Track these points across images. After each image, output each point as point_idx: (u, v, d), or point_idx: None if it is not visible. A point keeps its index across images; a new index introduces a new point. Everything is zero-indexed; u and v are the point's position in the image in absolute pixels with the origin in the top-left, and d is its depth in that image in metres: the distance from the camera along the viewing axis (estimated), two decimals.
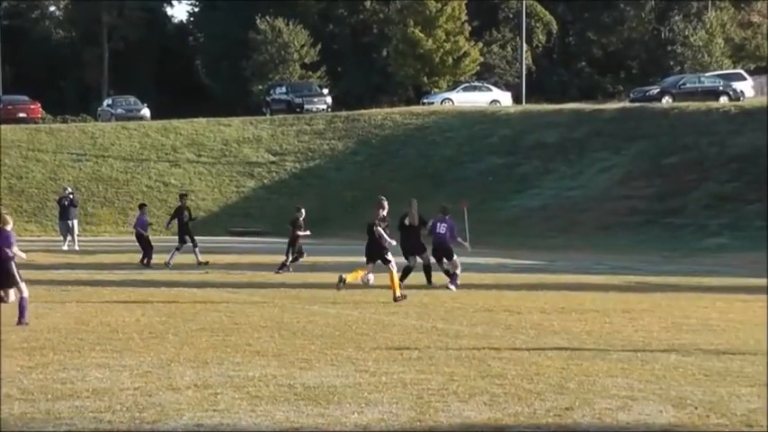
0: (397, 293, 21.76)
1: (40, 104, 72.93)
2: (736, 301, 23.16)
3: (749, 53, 79.17)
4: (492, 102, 71.38)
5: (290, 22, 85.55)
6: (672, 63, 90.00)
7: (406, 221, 25.45)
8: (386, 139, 64.62)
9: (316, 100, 71.30)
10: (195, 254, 32.67)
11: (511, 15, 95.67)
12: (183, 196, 35.94)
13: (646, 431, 10.11)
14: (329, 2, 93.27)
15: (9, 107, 69.38)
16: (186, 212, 33.72)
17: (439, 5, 79.90)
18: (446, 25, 79.87)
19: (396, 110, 70.05)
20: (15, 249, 17.53)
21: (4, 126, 64.08)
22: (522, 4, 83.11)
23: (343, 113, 69.16)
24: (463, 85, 75.22)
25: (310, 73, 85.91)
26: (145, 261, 32.40)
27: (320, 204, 57.69)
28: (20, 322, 17.26)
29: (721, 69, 74.97)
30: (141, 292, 23.70)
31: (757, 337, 16.72)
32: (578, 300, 22.80)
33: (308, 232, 30.82)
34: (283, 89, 73.54)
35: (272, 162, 63.79)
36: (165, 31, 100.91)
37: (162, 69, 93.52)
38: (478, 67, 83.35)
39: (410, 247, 25.09)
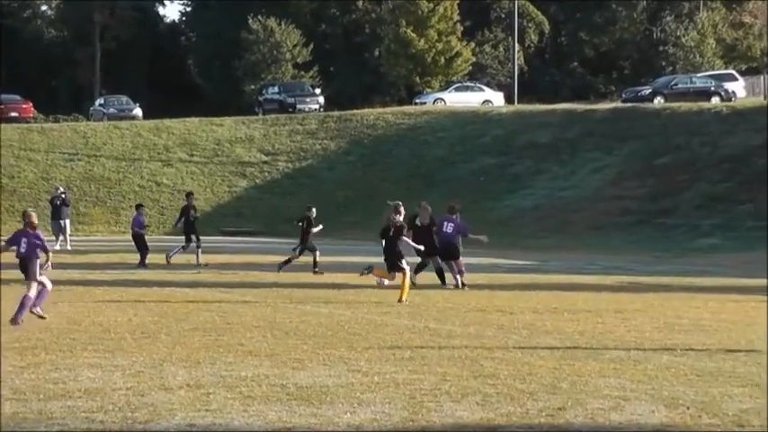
0: (403, 297, 21.70)
1: (31, 104, 72.86)
2: (729, 301, 23.20)
3: (741, 54, 79.17)
4: (484, 102, 71.43)
5: (283, 22, 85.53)
6: (664, 63, 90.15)
7: (418, 222, 25.44)
8: (378, 139, 64.64)
9: (308, 100, 71.32)
10: (197, 254, 32.65)
11: (503, 15, 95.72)
12: (189, 195, 36.05)
13: (638, 431, 10.12)
14: (321, 2, 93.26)
15: (1, 107, 69.26)
16: (192, 211, 33.76)
17: (431, 5, 79.91)
18: (438, 25, 79.89)
19: (388, 110, 70.07)
20: (51, 254, 18.12)
21: None
22: (514, 4, 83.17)
23: (336, 113, 69.18)
24: (455, 86, 75.26)
25: (303, 73, 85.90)
26: (142, 261, 32.35)
27: (312, 204, 57.64)
28: (14, 320, 17.27)
29: (713, 70, 75.09)
30: (133, 292, 23.68)
31: (749, 337, 16.75)
32: (571, 300, 22.81)
33: (320, 227, 30.74)
34: (276, 89, 73.54)
35: (265, 162, 63.77)
36: (158, 30, 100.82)
37: (154, 69, 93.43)
38: (471, 68, 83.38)
39: (425, 247, 24.78)
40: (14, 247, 17.98)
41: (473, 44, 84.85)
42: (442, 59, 79.66)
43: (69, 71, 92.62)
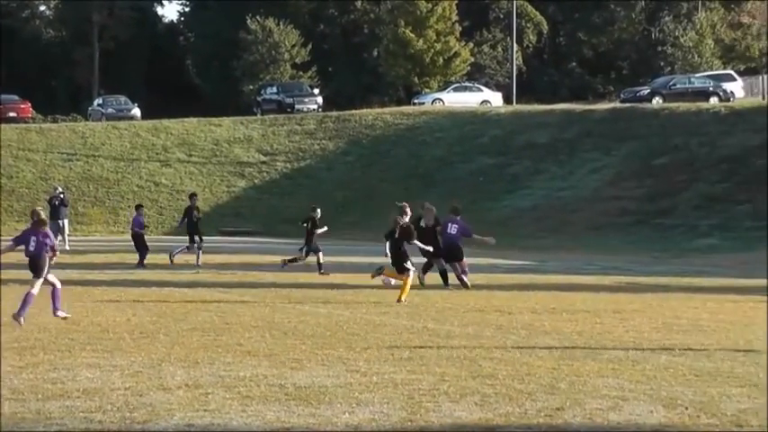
0: (402, 298, 21.71)
1: (30, 104, 72.85)
2: (727, 301, 23.21)
3: (739, 54, 79.26)
4: (483, 102, 71.45)
5: (281, 22, 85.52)
6: (662, 64, 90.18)
7: (422, 223, 25.46)
8: (376, 139, 64.64)
9: (306, 100, 71.32)
10: (197, 254, 32.65)
11: (501, 16, 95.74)
12: (192, 196, 36.16)
13: (636, 431, 10.12)
14: (320, 2, 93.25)
15: None
16: (195, 212, 33.82)
17: (429, 6, 79.93)
18: (437, 25, 79.90)
19: (386, 110, 70.07)
20: (57, 252, 18.28)
21: None
22: (512, 4, 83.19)
23: (334, 113, 69.18)
24: (454, 86, 75.28)
25: (301, 73, 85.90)
26: (141, 262, 32.37)
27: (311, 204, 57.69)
28: (16, 316, 17.33)
29: (711, 70, 75.12)
30: (132, 292, 23.68)
31: (747, 337, 16.76)
32: (569, 300, 22.82)
33: (325, 228, 30.66)
34: (274, 89, 73.54)
35: (263, 162, 63.77)
36: (156, 30, 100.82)
37: (152, 69, 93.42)
38: (469, 68, 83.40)
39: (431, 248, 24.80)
40: (23, 246, 18.02)
41: (471, 44, 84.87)
42: (441, 60, 79.68)
43: (68, 71, 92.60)
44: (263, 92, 74.34)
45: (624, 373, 13.06)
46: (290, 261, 30.31)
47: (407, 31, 78.99)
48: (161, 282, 26.51)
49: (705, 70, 74.80)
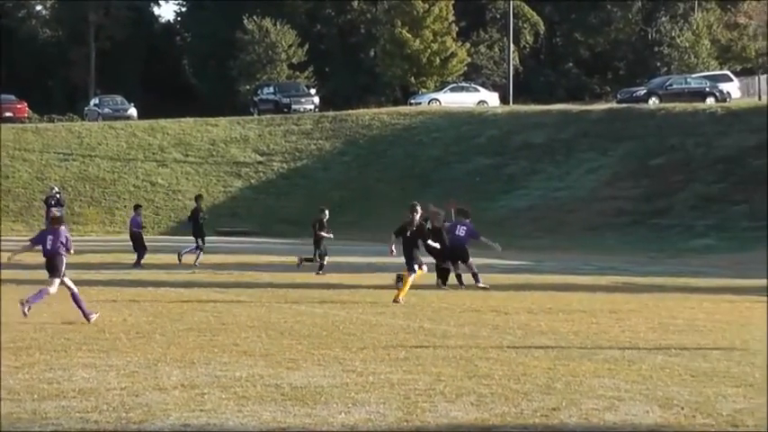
0: (400, 297, 21.72)
1: (26, 104, 72.82)
2: (723, 301, 23.23)
3: (735, 54, 79.32)
4: (479, 102, 71.49)
5: (278, 22, 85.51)
6: (659, 64, 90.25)
7: (428, 225, 25.56)
8: (373, 139, 64.64)
9: (303, 100, 71.31)
10: (197, 254, 32.64)
11: (498, 16, 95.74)
12: (198, 198, 36.29)
13: (632, 431, 10.12)
14: (316, 2, 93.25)
15: None
16: (201, 213, 33.88)
17: (426, 6, 79.94)
18: (433, 26, 79.91)
19: (383, 110, 70.09)
20: (72, 251, 18.30)
21: None
22: (509, 4, 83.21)
23: (331, 114, 69.19)
24: (450, 86, 75.31)
25: (298, 73, 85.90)
26: (138, 261, 32.36)
27: (307, 204, 57.66)
28: (24, 303, 17.60)
29: (708, 70, 75.20)
30: (128, 292, 23.66)
31: (744, 337, 16.78)
32: (565, 300, 22.83)
33: (330, 235, 30.56)
34: (271, 89, 73.53)
35: (260, 162, 63.76)
36: (152, 30, 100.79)
37: (149, 69, 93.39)
38: (466, 68, 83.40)
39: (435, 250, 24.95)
40: (40, 246, 18.16)
41: (468, 45, 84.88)
42: (438, 60, 79.70)
43: (64, 71, 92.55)
44: (259, 92, 74.33)
45: (620, 373, 13.06)
46: (306, 260, 30.26)
47: (404, 31, 78.99)
48: (157, 282, 26.50)
49: (702, 71, 74.88)
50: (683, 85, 65.34)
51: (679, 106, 58.74)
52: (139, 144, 64.78)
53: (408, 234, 22.40)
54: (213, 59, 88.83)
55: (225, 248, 42.36)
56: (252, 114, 71.26)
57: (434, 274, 25.77)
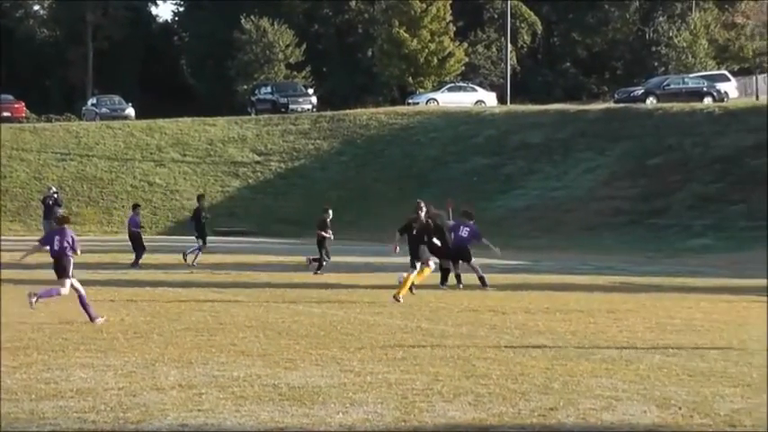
0: (400, 295, 21.74)
1: (24, 104, 72.77)
2: (720, 301, 23.24)
3: (733, 54, 79.39)
4: (477, 102, 71.50)
5: (275, 22, 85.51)
6: (656, 64, 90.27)
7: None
8: (371, 139, 64.64)
9: (301, 100, 71.31)
10: (196, 254, 32.63)
11: (496, 16, 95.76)
12: (200, 197, 36.30)
13: (630, 431, 10.13)
14: (314, 2, 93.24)
15: None
16: (203, 212, 33.89)
17: (424, 6, 79.94)
18: (431, 25, 79.92)
19: (381, 110, 70.09)
20: (78, 252, 18.34)
21: None
22: (506, 4, 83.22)
23: (329, 113, 69.18)
24: (448, 86, 75.33)
25: (295, 73, 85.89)
26: (136, 261, 32.32)
27: (305, 204, 57.68)
28: (32, 295, 17.82)
29: (705, 70, 75.23)
30: (126, 292, 23.65)
31: (741, 337, 16.79)
32: (563, 300, 22.84)
33: (330, 236, 30.49)
34: (268, 89, 73.52)
35: (257, 162, 63.75)
36: (150, 30, 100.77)
37: (147, 69, 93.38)
38: (463, 68, 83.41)
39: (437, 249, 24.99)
40: (48, 247, 18.26)
41: (466, 44, 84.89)
42: (435, 60, 79.71)
43: (62, 71, 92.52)
44: (257, 92, 74.33)
45: (618, 372, 13.07)
46: (314, 260, 30.18)
47: (402, 31, 79.00)
48: (155, 282, 26.50)
49: (699, 70, 74.91)
50: (681, 85, 65.37)
51: (676, 106, 58.76)
52: (137, 144, 64.76)
53: (414, 232, 22.48)
54: (211, 59, 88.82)
55: (222, 248, 42.33)
56: (249, 114, 71.26)
57: (436, 274, 25.80)
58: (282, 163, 63.66)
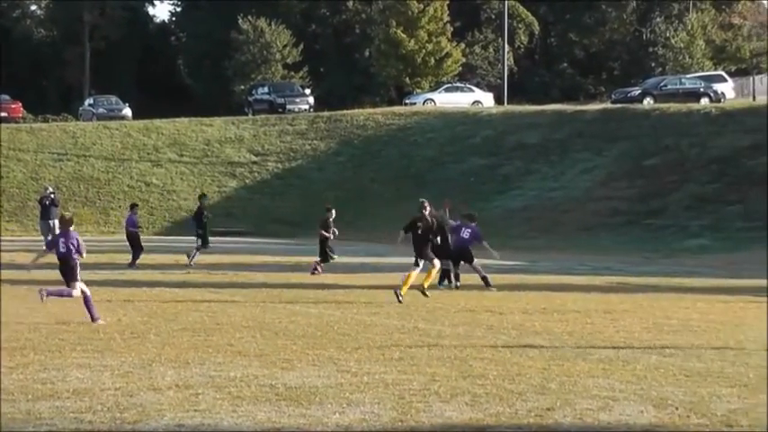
0: (402, 292, 21.78)
1: (20, 104, 72.75)
2: (717, 301, 23.25)
3: (730, 55, 79.44)
4: (474, 102, 71.52)
5: (273, 22, 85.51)
6: (653, 64, 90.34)
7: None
8: (368, 139, 64.64)
9: (298, 100, 71.31)
10: (194, 254, 32.60)
11: (493, 16, 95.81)
12: (202, 197, 36.24)
13: (627, 431, 10.13)
14: (311, 2, 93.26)
15: None
16: (205, 212, 33.84)
17: (421, 6, 79.98)
18: (428, 26, 79.95)
19: (378, 110, 70.10)
20: (84, 254, 18.38)
21: None
22: (504, 5, 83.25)
23: (326, 114, 69.18)
24: (445, 86, 75.35)
25: (292, 73, 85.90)
26: (134, 261, 32.29)
27: (302, 205, 57.70)
28: (43, 289, 17.89)
29: (702, 71, 75.27)
30: (123, 292, 23.64)
31: (738, 337, 16.80)
32: (560, 300, 22.84)
33: (330, 235, 30.40)
34: (265, 89, 73.52)
35: (254, 162, 63.74)
36: (147, 30, 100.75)
37: (144, 69, 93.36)
38: (460, 68, 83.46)
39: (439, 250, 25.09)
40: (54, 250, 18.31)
41: (463, 45, 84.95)
42: (432, 60, 79.73)
43: (59, 71, 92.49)
44: (254, 92, 74.31)
45: (614, 373, 13.07)
46: (317, 266, 30.04)
47: (399, 31, 79.02)
48: (152, 282, 26.48)
49: (696, 71, 74.96)
50: (678, 86, 65.41)
51: (673, 107, 58.80)
52: (134, 144, 64.73)
53: (420, 231, 22.56)
54: (208, 59, 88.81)
55: (219, 249, 42.27)
56: (246, 114, 71.25)
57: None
58: (279, 163, 63.66)
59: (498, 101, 74.29)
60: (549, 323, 18.49)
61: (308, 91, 75.81)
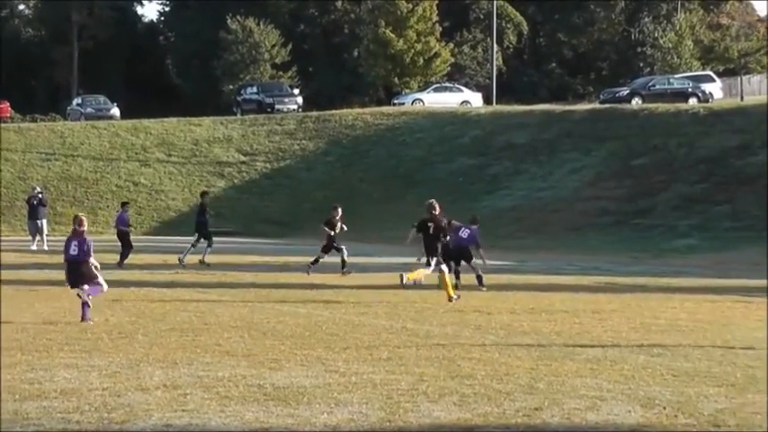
0: (451, 293, 22.18)
1: (8, 103, 72.59)
2: (705, 301, 23.30)
3: (718, 55, 79.60)
4: (463, 102, 71.55)
5: (261, 22, 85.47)
6: (641, 64, 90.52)
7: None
8: (357, 139, 64.63)
9: (286, 100, 71.28)
10: (187, 251, 32.53)
11: (482, 16, 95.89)
12: (204, 194, 36.17)
13: (614, 431, 10.15)
14: (300, 2, 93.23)
15: None
16: (207, 210, 33.76)
17: (410, 6, 80.00)
18: (417, 26, 79.97)
19: (367, 110, 70.08)
20: (92, 259, 18.24)
21: None
22: (492, 5, 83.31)
23: (314, 114, 69.15)
24: (434, 86, 75.36)
25: (281, 73, 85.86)
26: (122, 261, 32.20)
27: (291, 205, 57.68)
28: (87, 293, 17.83)
29: (690, 71, 75.43)
30: (110, 292, 23.51)
31: (725, 337, 16.84)
32: (548, 300, 22.87)
33: (331, 233, 30.33)
34: (254, 89, 73.46)
35: (243, 162, 63.67)
36: (136, 30, 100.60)
37: (132, 69, 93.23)
38: (449, 68, 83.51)
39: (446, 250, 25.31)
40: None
41: (452, 45, 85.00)
42: (421, 60, 79.74)
43: (47, 71, 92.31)
44: (242, 92, 74.24)
45: (602, 373, 13.09)
46: (342, 265, 29.89)
47: (388, 31, 79.03)
48: (140, 282, 26.45)
49: (684, 71, 75.11)
50: (666, 86, 65.53)
51: (662, 107, 58.89)
52: (122, 144, 64.62)
53: (431, 231, 22.70)
54: (197, 59, 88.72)
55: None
56: (235, 114, 71.19)
57: (435, 274, 25.87)
58: (268, 163, 63.61)
59: (487, 101, 74.34)
60: (537, 323, 18.51)
61: (296, 91, 75.79)
